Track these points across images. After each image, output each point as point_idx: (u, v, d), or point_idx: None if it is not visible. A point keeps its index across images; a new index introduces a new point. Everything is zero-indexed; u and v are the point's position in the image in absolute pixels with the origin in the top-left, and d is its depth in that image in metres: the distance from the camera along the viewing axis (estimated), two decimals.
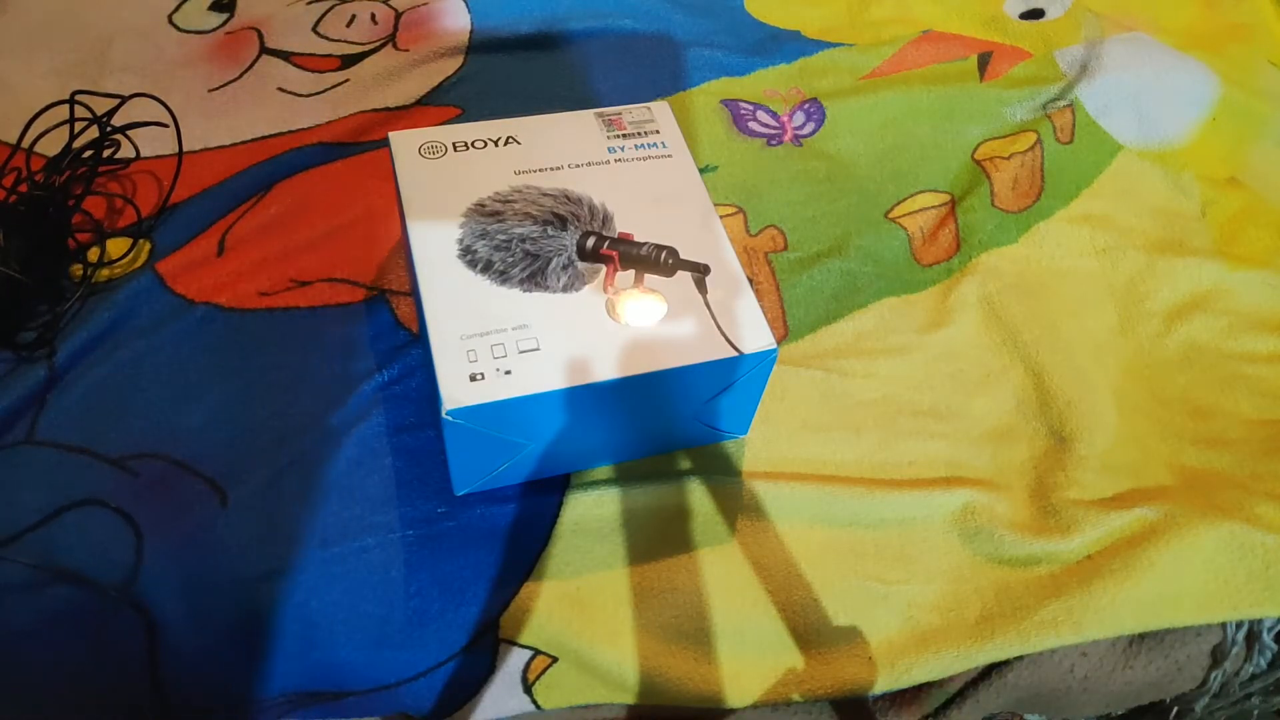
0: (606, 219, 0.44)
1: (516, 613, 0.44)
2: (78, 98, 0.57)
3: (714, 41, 0.71)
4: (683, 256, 0.43)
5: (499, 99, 0.65)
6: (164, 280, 0.54)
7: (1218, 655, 0.47)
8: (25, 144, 0.56)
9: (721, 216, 0.60)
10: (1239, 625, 0.47)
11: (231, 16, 0.70)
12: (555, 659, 0.44)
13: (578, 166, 0.47)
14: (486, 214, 0.43)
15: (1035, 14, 0.74)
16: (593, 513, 0.47)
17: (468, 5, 0.71)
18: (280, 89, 0.66)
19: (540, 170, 0.46)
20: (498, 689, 0.43)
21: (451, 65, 0.67)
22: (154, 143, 0.60)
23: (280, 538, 0.45)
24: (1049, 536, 0.47)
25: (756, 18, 0.74)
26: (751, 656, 0.44)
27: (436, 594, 0.45)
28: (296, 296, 0.54)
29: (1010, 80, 0.68)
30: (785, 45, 0.71)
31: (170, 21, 0.70)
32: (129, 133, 0.59)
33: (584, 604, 0.45)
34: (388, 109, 0.64)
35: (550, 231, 0.43)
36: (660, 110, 0.50)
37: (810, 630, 0.45)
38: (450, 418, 0.38)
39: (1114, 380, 0.54)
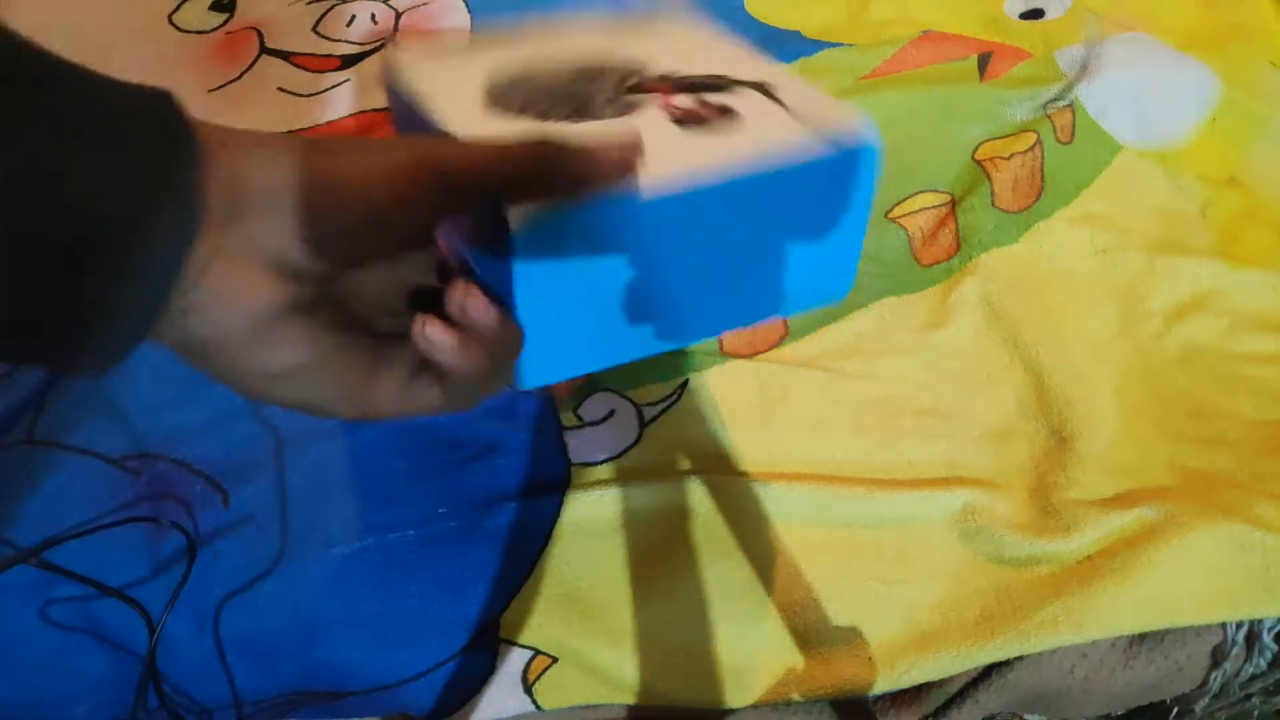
0: (649, 65, 0.37)
1: (517, 613, 0.45)
2: None
3: None
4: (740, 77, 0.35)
5: None
6: None
7: (1218, 655, 0.47)
8: None
9: None
10: (1239, 625, 0.47)
11: (231, 16, 0.70)
12: (555, 659, 0.44)
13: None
14: (516, 81, 0.35)
15: (1035, 14, 0.73)
16: (593, 513, 0.47)
17: (468, 5, 0.71)
18: (280, 89, 0.66)
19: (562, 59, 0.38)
20: (498, 689, 0.43)
21: None
22: None
23: (281, 537, 0.45)
24: (1049, 536, 0.47)
25: (756, 18, 0.74)
26: (751, 656, 0.45)
27: (436, 594, 0.45)
28: None
29: (1010, 80, 0.68)
30: (785, 45, 0.71)
31: (170, 21, 0.70)
32: None
33: (584, 604, 0.45)
34: (388, 109, 0.64)
35: (592, 79, 0.36)
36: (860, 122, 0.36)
37: (810, 630, 0.45)
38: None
39: (1114, 380, 0.54)
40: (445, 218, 0.27)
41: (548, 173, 0.26)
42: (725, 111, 0.33)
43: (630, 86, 0.35)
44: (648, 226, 0.30)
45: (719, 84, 0.35)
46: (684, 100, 0.34)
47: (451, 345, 0.26)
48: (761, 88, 0.34)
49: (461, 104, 0.33)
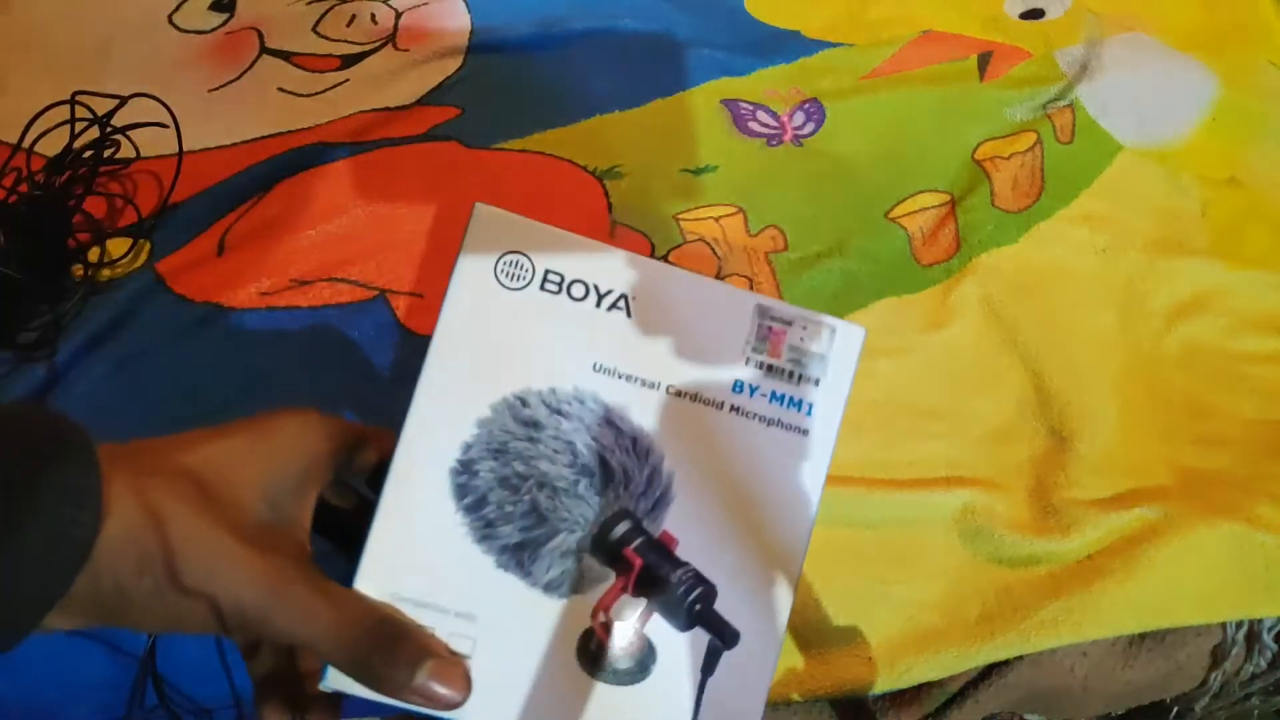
0: (663, 500, 0.32)
1: None
2: (78, 98, 0.57)
3: (714, 41, 0.71)
4: (715, 608, 0.31)
5: (499, 99, 0.65)
6: (164, 280, 0.54)
7: (1218, 655, 0.47)
8: (25, 144, 0.56)
9: (721, 217, 0.60)
10: (1239, 625, 0.47)
11: (231, 16, 0.70)
12: None
13: (678, 395, 0.32)
14: (522, 420, 0.31)
15: (1035, 14, 0.73)
16: None
17: (468, 5, 0.71)
18: (280, 89, 0.66)
19: (628, 380, 0.32)
20: None
21: (451, 65, 0.67)
22: (154, 143, 0.60)
23: None
24: (1049, 536, 0.47)
25: (756, 18, 0.74)
26: None
27: None
28: (296, 296, 0.54)
29: (1010, 80, 0.68)
30: (785, 45, 0.71)
31: (170, 21, 0.70)
32: (129, 133, 0.59)
33: None
34: (388, 109, 0.64)
35: (583, 488, 0.31)
36: (847, 340, 0.34)
37: (810, 630, 0.45)
38: (327, 689, 0.29)
39: (1114, 380, 0.54)
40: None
41: (370, 669, 0.28)
42: (643, 663, 0.31)
43: (616, 540, 0.31)
44: None
45: (684, 612, 0.31)
46: (623, 623, 0.31)
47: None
48: (719, 648, 0.31)
49: (429, 456, 0.31)
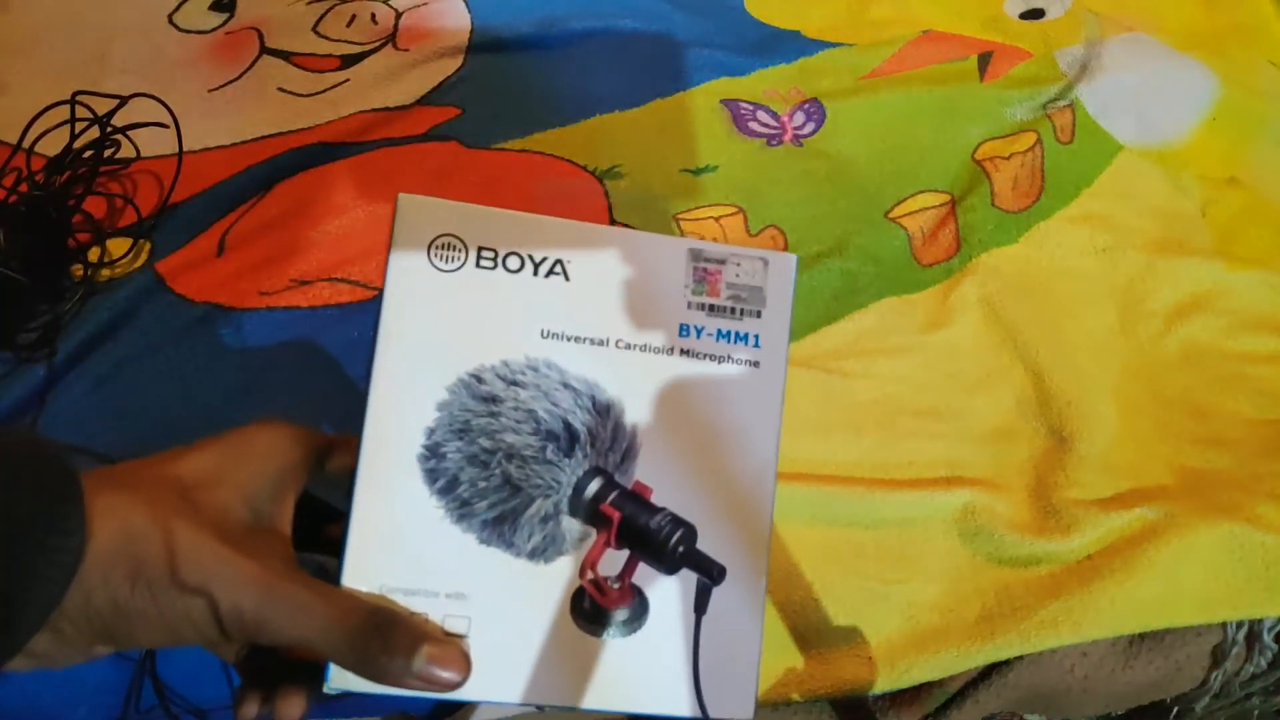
0: (630, 452, 0.32)
1: None
2: (78, 98, 0.57)
3: (714, 41, 0.71)
4: (698, 546, 0.32)
5: (499, 99, 0.65)
6: (164, 280, 0.54)
7: (1218, 655, 0.47)
8: (26, 144, 0.56)
9: (721, 217, 0.60)
10: (1239, 625, 0.47)
11: (231, 16, 0.70)
12: None
13: (628, 348, 0.33)
14: (480, 396, 0.31)
15: (1035, 14, 0.73)
16: None
17: (468, 5, 0.71)
18: (280, 89, 0.66)
19: (577, 341, 0.32)
20: None
21: (451, 65, 0.67)
22: (154, 143, 0.60)
23: None
24: (1049, 536, 0.47)
25: (756, 18, 0.74)
26: None
27: None
28: (296, 296, 0.54)
29: (1010, 80, 0.68)
30: (785, 45, 0.71)
31: (170, 21, 0.70)
32: (129, 133, 0.59)
33: None
34: (388, 109, 0.64)
35: (550, 453, 0.31)
36: (780, 269, 0.34)
37: (810, 630, 0.45)
38: (332, 691, 0.30)
39: (1114, 380, 0.54)
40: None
41: (368, 660, 0.28)
42: (636, 611, 0.32)
43: (592, 497, 0.32)
44: None
45: (669, 556, 0.32)
46: (606, 568, 0.31)
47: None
48: (708, 585, 0.32)
49: (394, 446, 0.31)
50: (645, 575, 0.32)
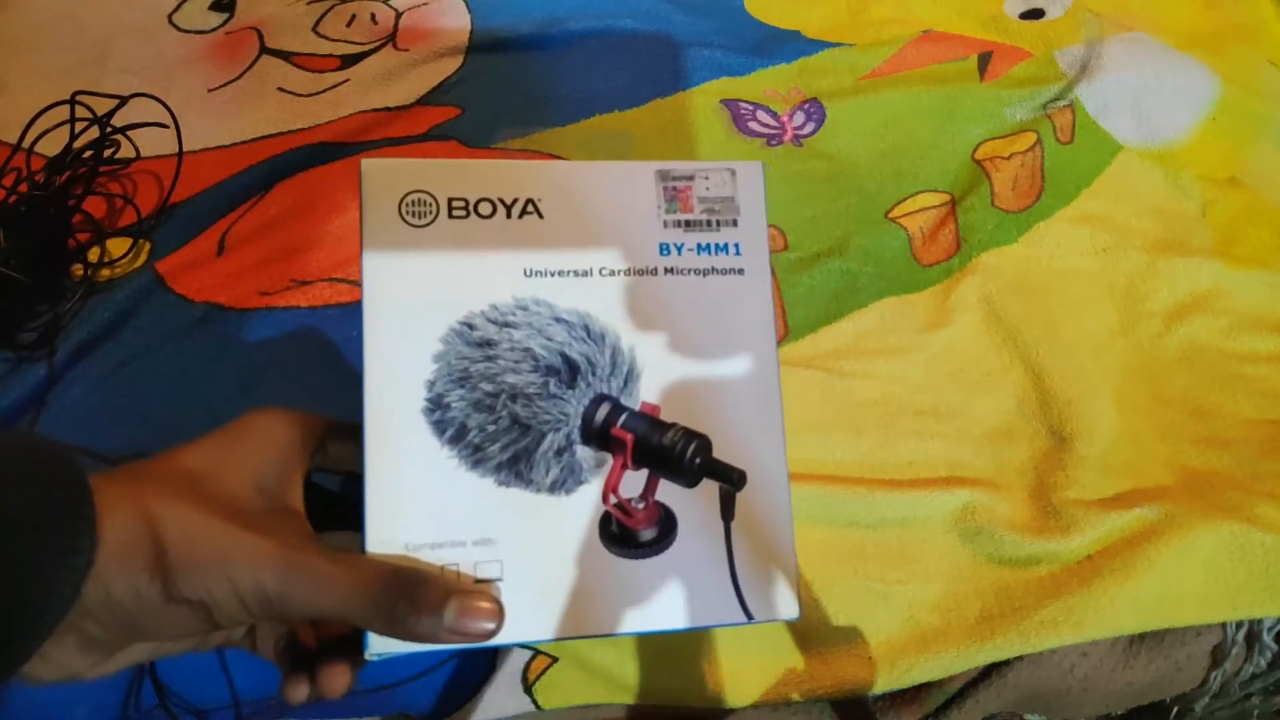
0: (632, 374, 0.32)
1: None
2: (78, 98, 0.57)
3: (714, 41, 0.71)
4: (715, 456, 0.32)
5: (499, 99, 0.65)
6: (164, 280, 0.54)
7: (1218, 655, 0.47)
8: (25, 144, 0.56)
9: None
10: (1239, 625, 0.47)
11: (231, 16, 0.70)
12: (555, 659, 0.44)
13: (611, 274, 0.33)
14: (474, 342, 0.31)
15: (1035, 14, 0.73)
16: None
17: (468, 5, 0.71)
18: (280, 89, 0.66)
19: (560, 275, 0.33)
20: (498, 689, 0.43)
21: (451, 65, 0.67)
22: (154, 143, 0.60)
23: None
24: (1049, 536, 0.47)
25: (756, 18, 0.74)
26: (751, 656, 0.44)
27: None
28: (296, 296, 0.54)
29: (1010, 80, 0.68)
30: (785, 45, 0.71)
31: (170, 21, 0.70)
32: (129, 133, 0.59)
33: None
34: (388, 109, 0.64)
35: (553, 387, 0.32)
36: (748, 178, 0.35)
37: (810, 630, 0.45)
38: (374, 658, 0.30)
39: (1114, 380, 0.54)
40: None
41: (398, 621, 0.28)
42: (664, 527, 0.32)
43: (602, 423, 0.32)
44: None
45: (687, 469, 0.32)
46: (627, 491, 0.32)
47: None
48: (731, 492, 0.32)
49: (397, 405, 0.31)
50: (668, 492, 0.32)
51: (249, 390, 0.50)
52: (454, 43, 0.68)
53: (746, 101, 0.67)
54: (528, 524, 0.31)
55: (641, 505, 0.32)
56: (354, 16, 0.71)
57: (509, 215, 0.33)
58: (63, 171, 0.56)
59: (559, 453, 0.31)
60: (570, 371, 0.32)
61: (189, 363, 0.51)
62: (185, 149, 0.60)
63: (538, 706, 0.43)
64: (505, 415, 0.31)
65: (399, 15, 0.70)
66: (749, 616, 0.31)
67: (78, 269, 0.54)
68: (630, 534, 0.31)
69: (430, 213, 0.32)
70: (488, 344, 0.32)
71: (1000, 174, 0.62)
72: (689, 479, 0.32)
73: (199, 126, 0.62)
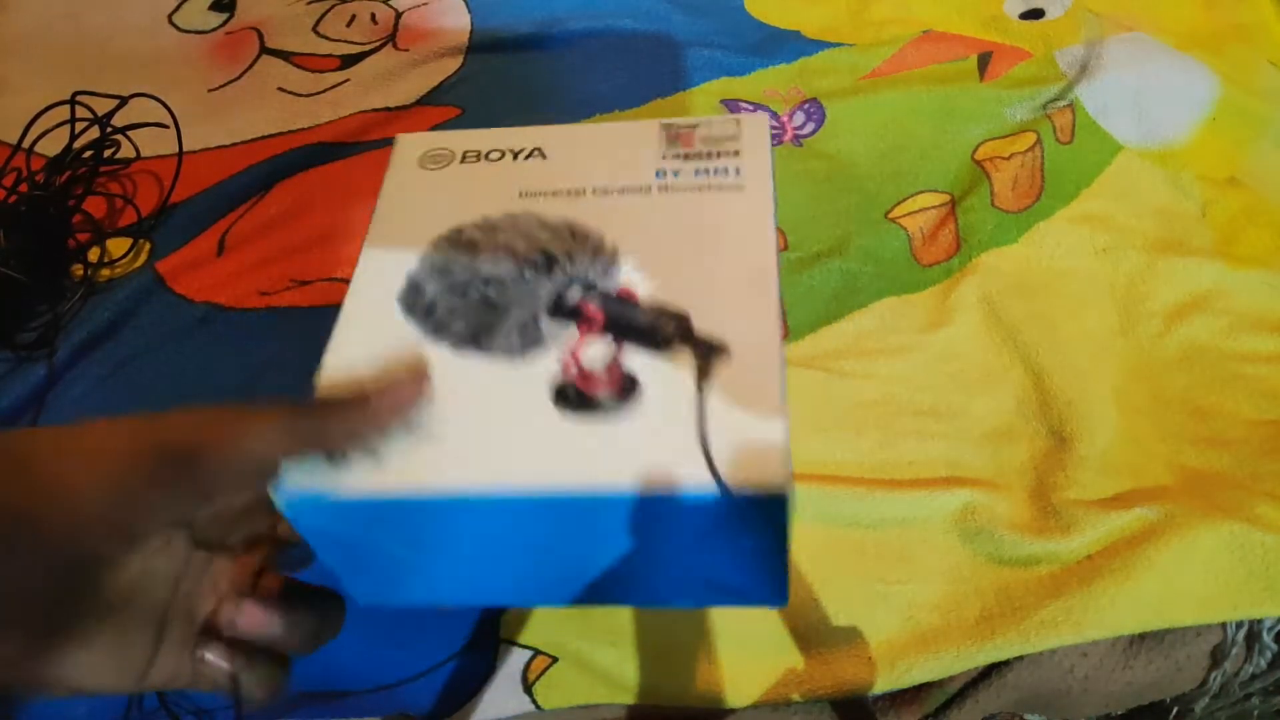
0: (614, 266, 0.32)
1: (517, 612, 0.44)
2: (78, 98, 0.57)
3: (714, 41, 0.71)
4: (694, 329, 0.30)
5: (499, 99, 0.65)
6: (164, 280, 0.54)
7: (1218, 655, 0.47)
8: (26, 144, 0.56)
9: None
10: (1239, 625, 0.47)
11: (231, 16, 0.70)
12: (555, 659, 0.44)
13: (605, 193, 0.34)
14: (460, 244, 0.33)
15: (1035, 14, 0.73)
16: None
17: (468, 5, 0.71)
18: (280, 89, 0.66)
19: (554, 194, 0.34)
20: (498, 689, 0.43)
21: (451, 65, 0.67)
22: (154, 143, 0.60)
23: None
24: (1049, 536, 0.47)
25: (756, 18, 0.74)
26: (751, 656, 0.44)
27: None
28: (296, 296, 0.54)
29: (1010, 80, 0.68)
30: (785, 45, 0.71)
31: (170, 21, 0.70)
32: (129, 133, 0.59)
33: None
34: (388, 109, 0.64)
35: (529, 275, 0.31)
36: (754, 126, 0.35)
37: (810, 630, 0.45)
38: (283, 504, 0.27)
39: (1114, 380, 0.54)
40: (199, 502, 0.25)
41: (311, 435, 0.26)
42: (626, 390, 0.29)
43: (570, 300, 0.30)
44: (476, 520, 0.28)
45: (660, 338, 0.29)
46: (593, 357, 0.29)
47: (231, 667, 0.27)
48: (706, 361, 0.29)
49: (375, 290, 0.32)
50: (637, 363, 0.29)
51: (249, 390, 0.50)
52: (454, 43, 0.68)
53: (746, 101, 0.67)
54: (478, 384, 0.29)
55: (604, 373, 0.29)
56: (354, 16, 0.71)
57: (515, 159, 0.35)
58: (63, 171, 0.56)
59: (523, 327, 0.30)
60: (548, 262, 0.32)
61: (189, 363, 0.51)
62: (185, 149, 0.60)
63: (538, 706, 0.43)
64: (476, 297, 0.31)
65: (399, 15, 0.71)
66: (718, 480, 0.26)
67: (78, 269, 0.54)
68: (586, 397, 0.29)
69: (445, 161, 0.36)
70: (473, 245, 0.33)
71: (1000, 174, 0.62)
72: (659, 345, 0.29)
73: (199, 126, 0.62)
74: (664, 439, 0.27)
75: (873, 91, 0.67)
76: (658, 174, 0.34)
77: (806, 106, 0.67)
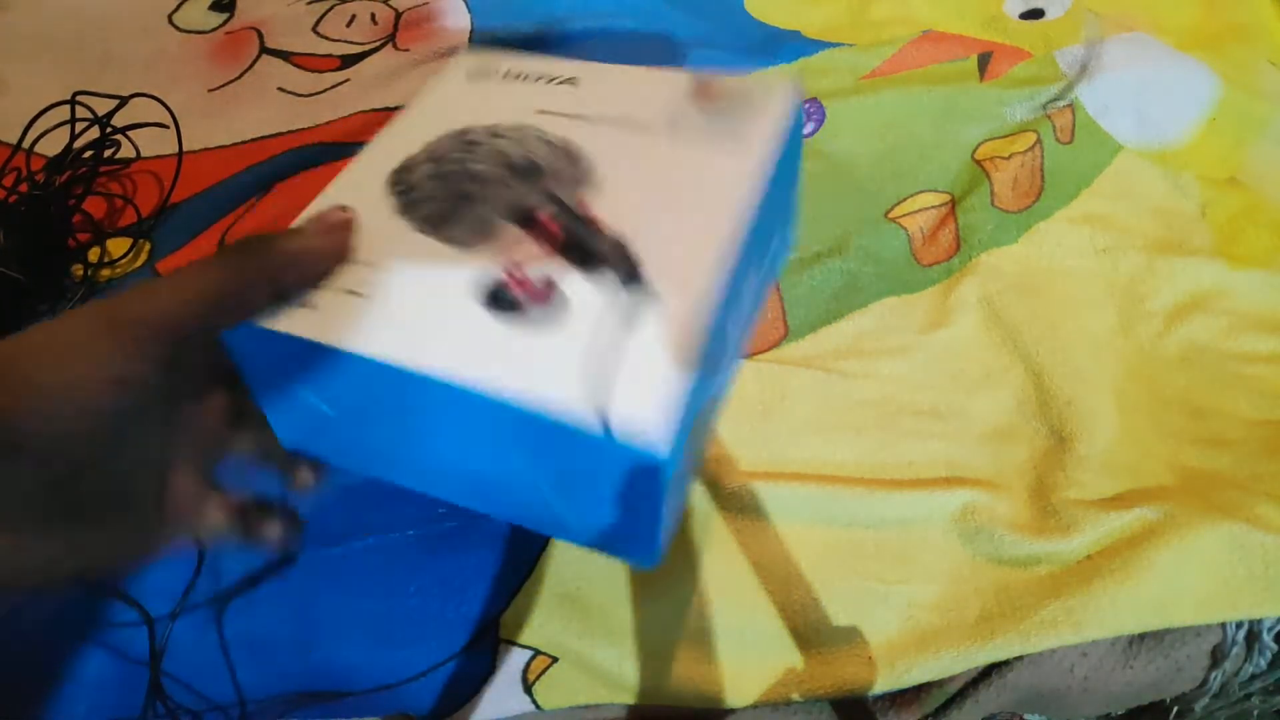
0: (591, 191, 0.33)
1: (517, 612, 0.45)
2: (78, 98, 0.57)
3: (714, 41, 0.71)
4: (639, 272, 0.30)
5: None
6: None
7: (1218, 655, 0.47)
8: (26, 144, 0.56)
9: None
10: (1239, 625, 0.47)
11: (231, 16, 0.70)
12: (555, 659, 0.44)
13: (614, 125, 0.35)
14: (463, 141, 0.34)
15: (1035, 14, 0.73)
16: None
17: (468, 5, 0.71)
18: (280, 89, 0.66)
19: (568, 116, 0.35)
20: (498, 689, 0.43)
21: None
22: (154, 143, 0.60)
23: None
24: (1049, 536, 0.47)
25: (756, 18, 0.74)
26: (751, 656, 0.45)
27: (437, 593, 0.45)
28: None
29: (1010, 80, 0.68)
30: (785, 45, 0.71)
31: (170, 21, 0.70)
32: (129, 133, 0.59)
33: (584, 604, 0.45)
34: (388, 109, 0.64)
35: (511, 180, 0.33)
36: (780, 97, 0.36)
37: (810, 630, 0.45)
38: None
39: (1114, 380, 0.54)
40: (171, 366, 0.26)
41: (251, 289, 0.28)
42: (555, 308, 0.29)
43: (532, 214, 0.31)
44: (397, 392, 0.29)
45: (601, 268, 0.30)
46: (534, 267, 0.30)
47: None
48: (643, 297, 0.29)
49: (368, 172, 0.34)
50: (573, 286, 0.30)
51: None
52: (454, 43, 0.68)
53: None
54: (417, 262, 0.30)
55: (539, 284, 0.30)
56: (354, 16, 0.71)
57: (549, 83, 0.37)
58: (63, 171, 0.56)
59: (482, 221, 0.32)
60: (534, 171, 0.33)
61: None
62: (185, 149, 0.60)
63: (538, 706, 0.43)
64: (455, 189, 0.33)
65: (399, 15, 0.71)
66: (602, 422, 0.26)
67: (78, 269, 0.54)
68: (514, 302, 0.29)
69: (489, 76, 0.38)
70: (474, 144, 0.34)
71: (1000, 174, 0.62)
72: (600, 274, 0.30)
73: (199, 126, 0.62)
74: (570, 364, 0.27)
75: (873, 91, 0.67)
76: (672, 120, 0.35)
77: (806, 106, 0.67)
